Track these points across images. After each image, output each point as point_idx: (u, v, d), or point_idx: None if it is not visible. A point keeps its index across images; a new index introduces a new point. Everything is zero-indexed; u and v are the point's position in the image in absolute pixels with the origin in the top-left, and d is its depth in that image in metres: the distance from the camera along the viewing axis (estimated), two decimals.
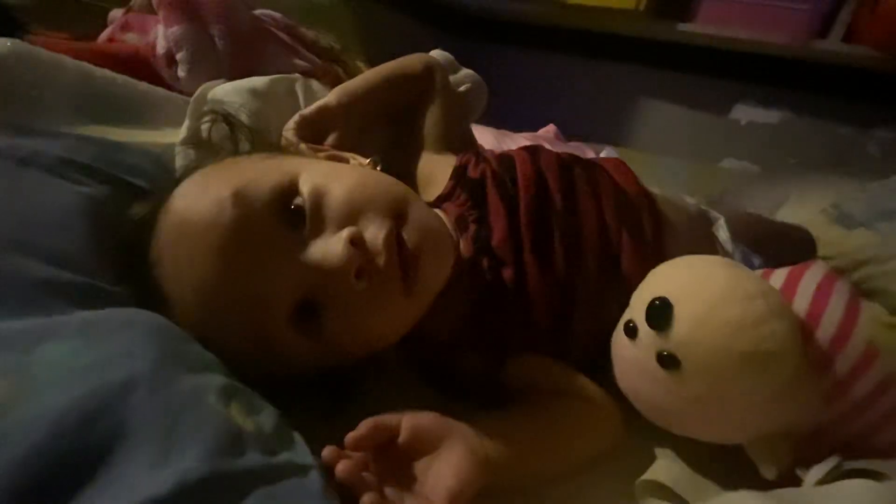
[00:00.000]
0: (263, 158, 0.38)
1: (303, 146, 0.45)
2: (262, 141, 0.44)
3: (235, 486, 0.22)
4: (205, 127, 0.46)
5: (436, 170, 0.49)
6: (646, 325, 0.31)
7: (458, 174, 0.45)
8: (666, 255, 0.39)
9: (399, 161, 0.51)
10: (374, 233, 0.32)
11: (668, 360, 0.30)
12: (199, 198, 0.32)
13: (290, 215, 0.32)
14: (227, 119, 0.45)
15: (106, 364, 0.24)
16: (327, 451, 0.28)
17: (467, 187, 0.43)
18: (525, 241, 0.40)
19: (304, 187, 0.33)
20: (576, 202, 0.43)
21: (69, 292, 0.29)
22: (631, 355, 0.33)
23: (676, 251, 0.37)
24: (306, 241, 0.32)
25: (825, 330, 0.30)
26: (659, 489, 0.34)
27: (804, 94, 1.42)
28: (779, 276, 0.34)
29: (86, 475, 0.20)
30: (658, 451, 0.36)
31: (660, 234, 0.44)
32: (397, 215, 0.34)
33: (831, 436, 0.31)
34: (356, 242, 0.31)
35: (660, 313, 0.30)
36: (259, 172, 0.34)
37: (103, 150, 0.43)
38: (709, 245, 0.49)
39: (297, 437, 0.27)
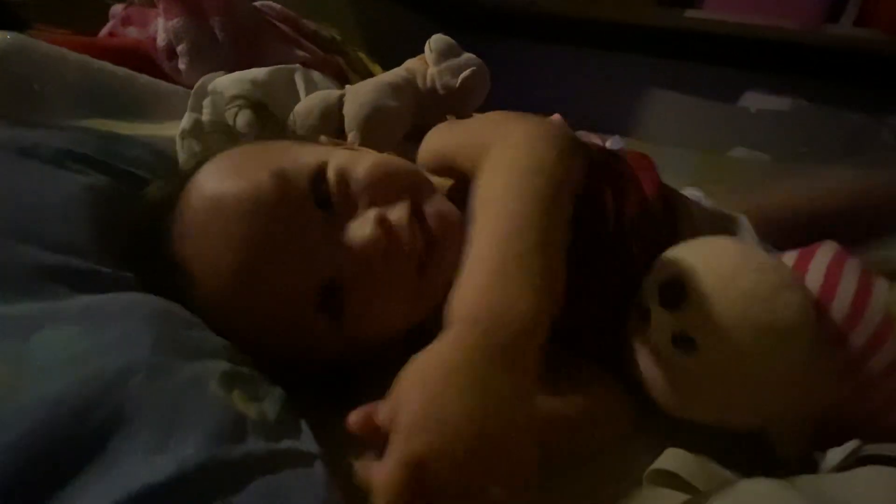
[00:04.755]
0: (289, 145, 0.39)
1: (323, 138, 0.46)
2: (283, 129, 0.46)
3: (236, 473, 0.22)
4: (230, 113, 0.46)
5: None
6: (658, 306, 0.30)
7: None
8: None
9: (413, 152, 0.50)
10: (399, 214, 0.33)
11: (682, 341, 0.29)
12: (234, 177, 0.33)
13: (321, 198, 0.33)
14: (255, 107, 0.45)
15: (104, 350, 0.24)
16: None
17: None
18: None
19: (330, 171, 0.34)
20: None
21: (69, 278, 0.29)
22: (645, 341, 0.32)
23: None
24: (336, 222, 0.33)
25: (839, 305, 0.30)
26: (669, 479, 0.33)
27: (815, 81, 1.39)
28: (790, 256, 0.34)
29: (83, 461, 0.20)
30: (669, 445, 0.36)
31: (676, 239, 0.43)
32: (417, 194, 0.35)
33: (848, 414, 0.30)
34: (383, 223, 0.32)
35: (672, 291, 0.30)
36: (291, 156, 0.35)
37: (104, 143, 0.43)
38: None
39: (304, 425, 0.27)
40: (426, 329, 0.37)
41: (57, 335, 0.24)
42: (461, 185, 0.43)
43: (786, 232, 0.48)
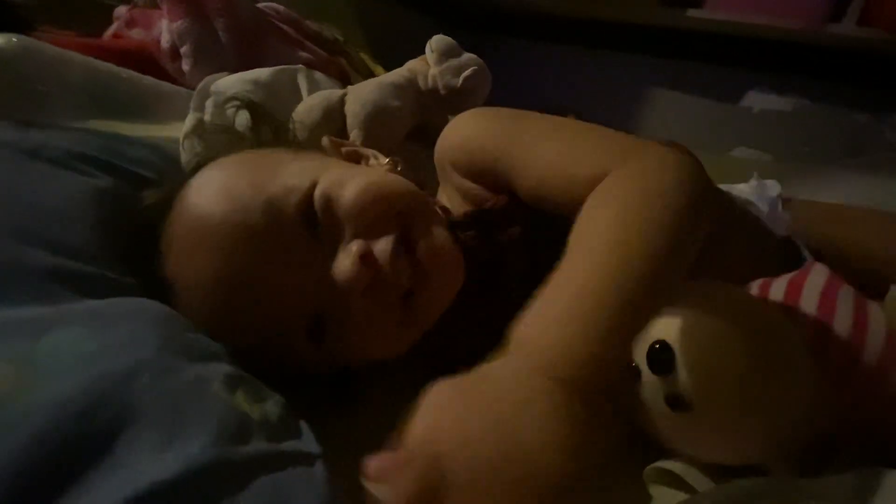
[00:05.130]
0: (284, 155, 0.37)
1: (325, 140, 0.44)
2: (284, 131, 0.44)
3: (240, 473, 0.22)
4: (230, 112, 0.46)
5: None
6: (648, 370, 0.29)
7: (474, 219, 0.41)
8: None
9: (418, 154, 0.50)
10: (383, 247, 0.32)
11: (676, 402, 0.28)
12: (221, 197, 0.32)
13: (311, 221, 0.32)
14: (252, 107, 0.45)
15: (111, 351, 0.24)
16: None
17: (483, 231, 0.39)
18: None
19: (317, 195, 0.33)
20: None
21: (76, 281, 0.29)
22: (639, 394, 0.31)
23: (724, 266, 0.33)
24: (322, 250, 0.32)
25: (838, 342, 0.29)
26: (667, 477, 0.33)
27: (818, 81, 1.38)
28: (779, 288, 0.32)
29: (91, 460, 0.20)
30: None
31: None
32: (409, 221, 0.33)
33: (850, 423, 0.30)
34: (365, 259, 0.31)
35: (661, 359, 0.28)
36: (283, 175, 0.33)
37: (109, 144, 0.44)
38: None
39: (304, 426, 0.27)
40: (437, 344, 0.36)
41: (65, 337, 0.24)
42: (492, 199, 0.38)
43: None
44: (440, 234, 0.34)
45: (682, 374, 0.28)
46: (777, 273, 0.37)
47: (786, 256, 0.42)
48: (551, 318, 0.22)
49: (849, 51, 1.28)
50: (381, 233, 0.32)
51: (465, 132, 0.39)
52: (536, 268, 0.28)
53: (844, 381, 0.29)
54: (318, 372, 0.36)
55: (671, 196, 0.27)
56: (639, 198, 0.27)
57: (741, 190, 0.58)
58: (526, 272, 0.36)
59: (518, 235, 0.37)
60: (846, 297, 0.30)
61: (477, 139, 0.38)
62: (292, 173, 0.34)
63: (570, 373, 0.20)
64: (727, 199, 0.45)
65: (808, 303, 0.30)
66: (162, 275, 0.33)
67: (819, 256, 0.42)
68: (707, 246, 0.33)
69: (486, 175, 0.38)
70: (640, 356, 0.30)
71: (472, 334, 0.38)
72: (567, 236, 0.27)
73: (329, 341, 0.33)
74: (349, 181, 0.33)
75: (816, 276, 0.32)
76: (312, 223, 0.32)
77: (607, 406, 0.21)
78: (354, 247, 0.31)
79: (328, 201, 0.32)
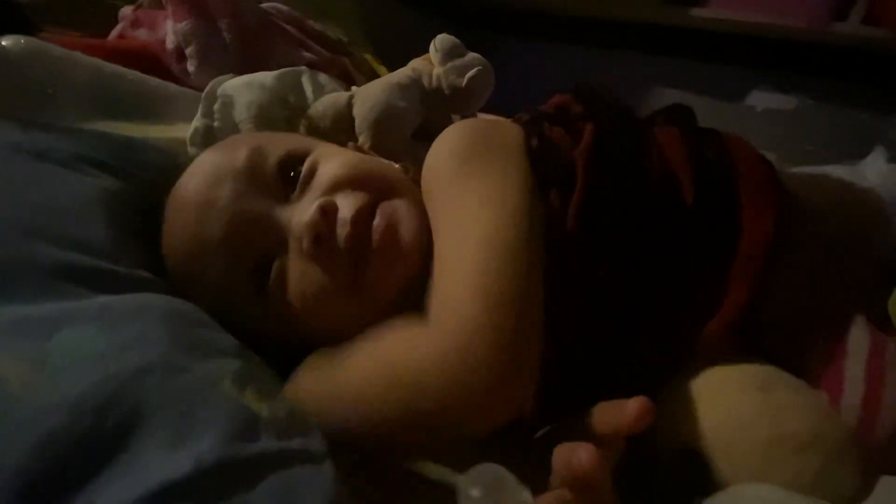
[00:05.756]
0: (289, 134, 0.41)
1: (350, 145, 0.46)
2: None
3: (250, 470, 0.22)
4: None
5: None
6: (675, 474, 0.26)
7: None
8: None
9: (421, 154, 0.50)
10: (347, 205, 0.33)
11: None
12: (220, 149, 0.37)
13: (287, 178, 0.35)
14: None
15: (121, 350, 0.24)
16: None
17: None
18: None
19: (308, 158, 0.36)
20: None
21: (86, 278, 0.30)
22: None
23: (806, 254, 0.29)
24: (290, 203, 0.35)
25: (885, 425, 0.25)
26: None
27: (822, 80, 1.38)
28: (819, 369, 0.27)
29: (103, 459, 0.20)
30: None
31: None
32: (377, 194, 0.34)
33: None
34: (326, 210, 0.32)
35: (692, 471, 0.25)
36: (280, 141, 0.37)
37: (116, 146, 0.44)
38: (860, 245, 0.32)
39: (313, 423, 0.28)
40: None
41: (76, 335, 0.24)
42: None
43: None
44: (407, 219, 0.33)
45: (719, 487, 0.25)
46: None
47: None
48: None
49: (853, 50, 1.27)
50: (347, 197, 0.34)
51: (428, 158, 0.37)
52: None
53: (886, 456, 0.25)
54: (270, 340, 0.33)
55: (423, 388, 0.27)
56: (387, 384, 0.28)
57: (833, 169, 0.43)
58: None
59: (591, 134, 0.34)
60: (893, 363, 0.26)
61: (427, 174, 0.36)
62: (291, 140, 0.38)
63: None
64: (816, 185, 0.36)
65: (855, 374, 0.25)
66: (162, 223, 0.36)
67: None
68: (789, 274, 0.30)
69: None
70: (666, 455, 0.26)
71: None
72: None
73: (271, 293, 0.33)
74: (336, 156, 0.36)
75: (859, 338, 0.27)
76: (289, 180, 0.35)
77: None
78: (320, 199, 0.33)
79: (313, 168, 0.35)
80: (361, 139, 0.53)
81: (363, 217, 0.33)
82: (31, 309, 0.26)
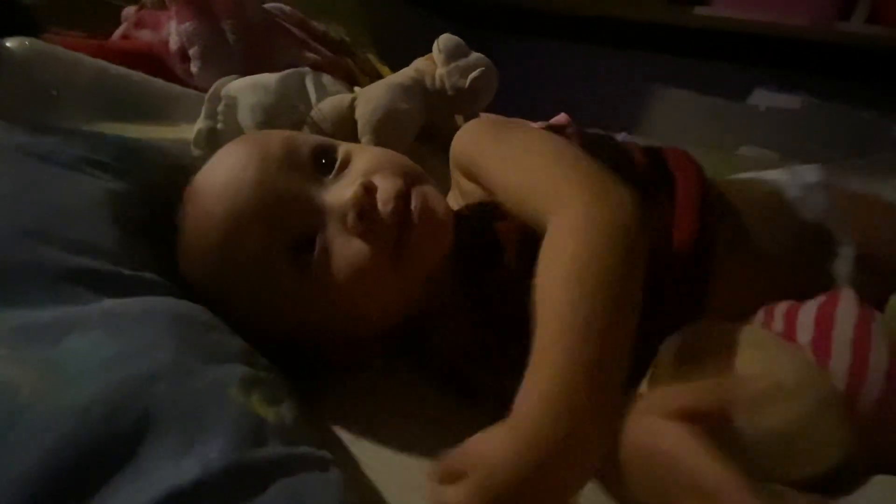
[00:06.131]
0: (306, 132, 0.42)
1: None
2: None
3: (258, 476, 0.22)
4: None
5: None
6: None
7: (473, 213, 0.42)
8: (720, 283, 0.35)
9: (424, 153, 0.50)
10: (387, 187, 0.34)
11: None
12: (243, 143, 0.37)
13: (322, 164, 0.36)
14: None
15: (130, 356, 0.24)
16: None
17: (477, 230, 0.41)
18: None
19: (340, 150, 0.37)
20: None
21: (92, 280, 0.30)
22: None
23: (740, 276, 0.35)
24: (329, 185, 0.36)
25: (871, 390, 0.26)
26: None
27: (826, 78, 1.37)
28: (806, 326, 0.29)
29: (113, 464, 0.20)
30: None
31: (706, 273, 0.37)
32: (410, 182, 0.36)
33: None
34: (368, 188, 0.33)
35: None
36: (304, 135, 0.40)
37: (120, 147, 0.44)
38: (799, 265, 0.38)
39: (316, 432, 0.28)
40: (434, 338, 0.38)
41: (84, 341, 0.24)
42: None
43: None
44: (438, 201, 0.37)
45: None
46: (810, 264, 0.37)
47: (820, 243, 0.40)
48: (535, 400, 0.24)
49: (857, 48, 1.27)
50: (385, 178, 0.35)
51: (459, 142, 0.42)
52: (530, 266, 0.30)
53: (877, 424, 0.27)
54: (306, 332, 0.35)
55: (613, 242, 0.29)
56: (586, 252, 0.29)
57: (770, 174, 0.49)
58: (521, 270, 0.34)
59: (514, 229, 0.38)
60: (880, 332, 0.28)
61: (465, 150, 0.42)
62: (314, 136, 0.41)
63: (556, 449, 0.23)
64: (745, 192, 0.43)
65: (842, 341, 0.28)
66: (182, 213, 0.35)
67: (862, 252, 0.38)
68: (733, 245, 0.37)
69: (478, 180, 0.41)
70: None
71: (478, 357, 0.38)
72: None
73: (314, 269, 0.33)
74: (369, 149, 0.39)
75: (847, 309, 0.29)
76: (322, 166, 0.36)
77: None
78: (361, 178, 0.34)
79: (348, 156, 0.37)
80: (364, 141, 0.53)
81: (403, 195, 0.34)
82: (38, 314, 0.26)
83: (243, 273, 0.33)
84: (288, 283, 0.33)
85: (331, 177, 0.36)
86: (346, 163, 0.36)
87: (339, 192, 0.34)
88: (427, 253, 0.35)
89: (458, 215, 0.41)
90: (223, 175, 0.35)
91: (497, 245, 0.39)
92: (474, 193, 0.42)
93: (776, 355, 0.28)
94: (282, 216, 0.33)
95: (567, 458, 0.23)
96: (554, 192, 0.33)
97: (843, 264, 0.38)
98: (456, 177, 0.45)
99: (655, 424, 0.24)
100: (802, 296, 0.34)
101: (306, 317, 0.35)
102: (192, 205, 0.35)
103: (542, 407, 0.23)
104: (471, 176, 0.42)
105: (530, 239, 0.33)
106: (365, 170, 0.36)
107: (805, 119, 1.41)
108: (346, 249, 0.33)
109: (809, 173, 0.45)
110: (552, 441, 0.22)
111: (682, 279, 0.36)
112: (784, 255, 0.39)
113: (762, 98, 1.46)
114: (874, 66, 1.30)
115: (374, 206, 0.33)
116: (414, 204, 0.34)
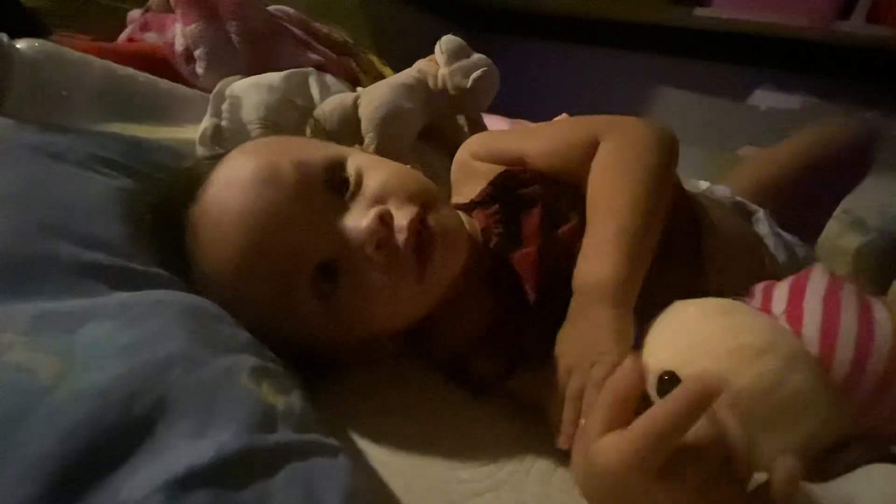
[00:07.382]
0: (310, 140, 0.42)
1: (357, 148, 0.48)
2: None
3: (269, 459, 0.23)
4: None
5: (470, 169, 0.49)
6: (658, 397, 0.28)
7: (498, 185, 0.45)
8: (707, 261, 0.45)
9: (427, 153, 0.52)
10: (402, 215, 0.35)
11: None
12: (255, 158, 0.35)
13: (335, 184, 0.36)
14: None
15: (145, 343, 0.25)
16: None
17: (506, 202, 0.44)
18: (548, 263, 0.39)
19: (351, 166, 0.37)
20: None
21: (105, 275, 0.30)
22: None
23: (719, 256, 0.42)
24: (344, 209, 0.35)
25: (844, 352, 0.27)
26: None
27: (826, 78, 1.38)
28: (780, 299, 0.31)
29: (130, 446, 0.21)
30: None
31: (699, 245, 0.46)
32: (424, 205, 0.36)
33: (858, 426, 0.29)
34: (384, 219, 0.33)
35: (670, 384, 0.27)
36: (311, 148, 0.38)
37: (129, 147, 0.45)
38: (751, 244, 0.53)
39: (324, 422, 0.28)
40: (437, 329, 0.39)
41: (101, 330, 0.25)
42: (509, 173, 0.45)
43: (782, 197, 0.61)
44: (451, 217, 0.38)
45: None
46: (750, 233, 0.53)
47: (744, 214, 0.60)
48: (601, 263, 0.36)
49: (857, 48, 1.27)
50: (399, 205, 0.35)
51: (472, 142, 0.50)
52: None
53: (852, 387, 0.28)
54: (324, 344, 0.36)
55: (654, 157, 0.41)
56: (633, 164, 0.40)
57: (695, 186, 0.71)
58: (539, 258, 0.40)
59: (539, 193, 0.43)
60: (849, 298, 0.29)
61: (483, 142, 0.49)
62: (321, 147, 0.39)
63: (622, 296, 0.34)
64: (700, 196, 0.55)
65: (813, 308, 0.29)
66: (188, 247, 0.35)
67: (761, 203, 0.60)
68: (711, 230, 0.48)
69: (503, 156, 0.47)
70: (650, 388, 0.29)
71: (478, 349, 0.40)
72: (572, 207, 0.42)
73: (340, 295, 0.33)
74: (380, 166, 0.38)
75: (817, 280, 0.31)
76: (336, 187, 0.35)
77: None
78: (376, 208, 0.34)
79: (360, 174, 0.36)
80: (367, 140, 0.53)
81: (417, 223, 0.35)
82: (55, 304, 0.26)
83: (263, 299, 0.33)
84: (308, 310, 0.34)
85: (346, 197, 0.35)
86: (358, 180, 0.36)
87: (356, 220, 0.34)
88: (449, 267, 0.37)
89: (480, 203, 0.45)
90: (237, 202, 0.33)
91: (518, 229, 0.42)
92: (492, 173, 0.46)
93: (744, 320, 0.29)
94: (301, 248, 0.33)
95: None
96: (596, 126, 0.43)
97: (761, 226, 0.57)
98: (470, 166, 0.48)
99: (593, 448, 0.26)
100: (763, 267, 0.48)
101: (324, 336, 0.36)
102: (206, 230, 0.34)
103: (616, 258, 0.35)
104: (496, 154, 0.47)
105: (552, 217, 0.41)
106: (378, 194, 0.35)
107: (805, 119, 1.41)
108: (368, 279, 0.33)
109: (721, 191, 0.63)
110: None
111: (681, 247, 0.44)
112: (738, 236, 0.53)
113: (762, 98, 1.47)
114: (874, 65, 1.30)
115: (392, 235, 0.34)
116: (433, 226, 0.35)
